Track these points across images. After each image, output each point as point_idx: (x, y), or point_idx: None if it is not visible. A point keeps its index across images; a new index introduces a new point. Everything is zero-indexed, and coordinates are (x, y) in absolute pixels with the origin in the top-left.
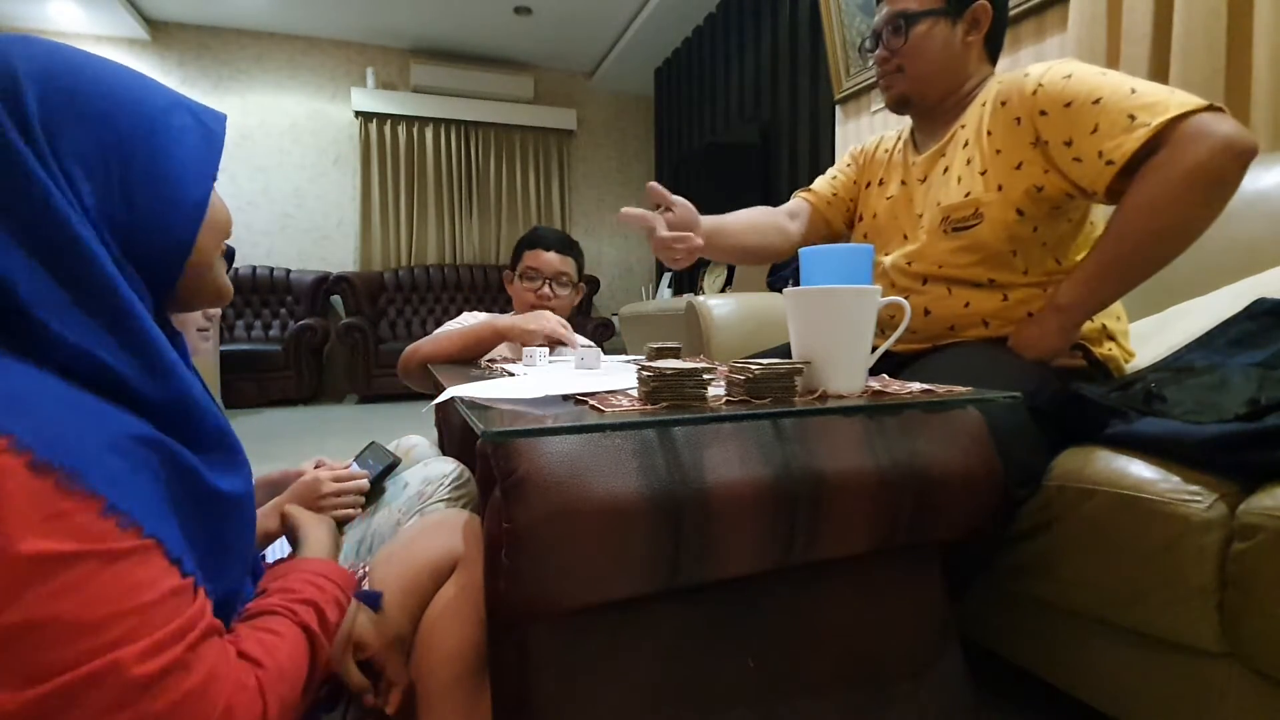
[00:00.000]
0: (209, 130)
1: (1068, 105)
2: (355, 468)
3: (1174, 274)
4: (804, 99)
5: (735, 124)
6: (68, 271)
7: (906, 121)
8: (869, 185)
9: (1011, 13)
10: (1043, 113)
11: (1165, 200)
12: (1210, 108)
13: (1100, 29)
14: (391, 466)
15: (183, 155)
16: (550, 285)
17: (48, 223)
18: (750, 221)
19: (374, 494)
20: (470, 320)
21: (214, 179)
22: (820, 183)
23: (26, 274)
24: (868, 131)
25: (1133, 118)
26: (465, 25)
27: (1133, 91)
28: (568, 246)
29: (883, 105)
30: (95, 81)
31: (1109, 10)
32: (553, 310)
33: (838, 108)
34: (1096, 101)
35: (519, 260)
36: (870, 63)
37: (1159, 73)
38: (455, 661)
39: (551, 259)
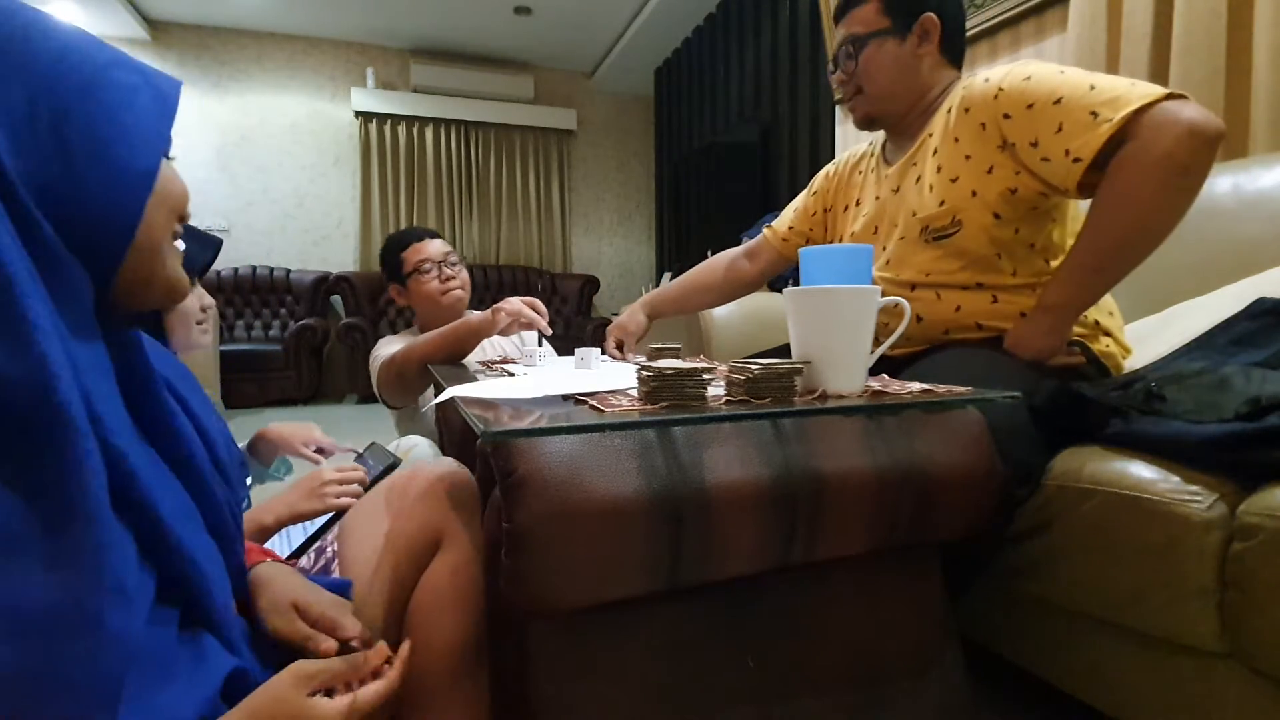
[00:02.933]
0: (161, 93)
1: (1030, 107)
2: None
3: (1174, 274)
4: (804, 99)
5: (735, 124)
6: None
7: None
8: (845, 209)
9: (1011, 13)
10: (1006, 116)
11: (1137, 192)
12: (1172, 95)
13: (1100, 29)
14: (391, 467)
15: (130, 117)
16: (445, 268)
17: None
18: (694, 283)
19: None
20: (400, 344)
21: (166, 145)
22: (781, 218)
23: None
24: (868, 132)
25: (1095, 114)
26: (465, 25)
27: (1092, 88)
28: (434, 232)
29: None
30: (30, 31)
31: (1109, 10)
32: (460, 288)
33: (838, 108)
34: (1058, 101)
35: (398, 266)
36: (835, 86)
37: (1159, 73)
38: (453, 656)
39: (434, 245)
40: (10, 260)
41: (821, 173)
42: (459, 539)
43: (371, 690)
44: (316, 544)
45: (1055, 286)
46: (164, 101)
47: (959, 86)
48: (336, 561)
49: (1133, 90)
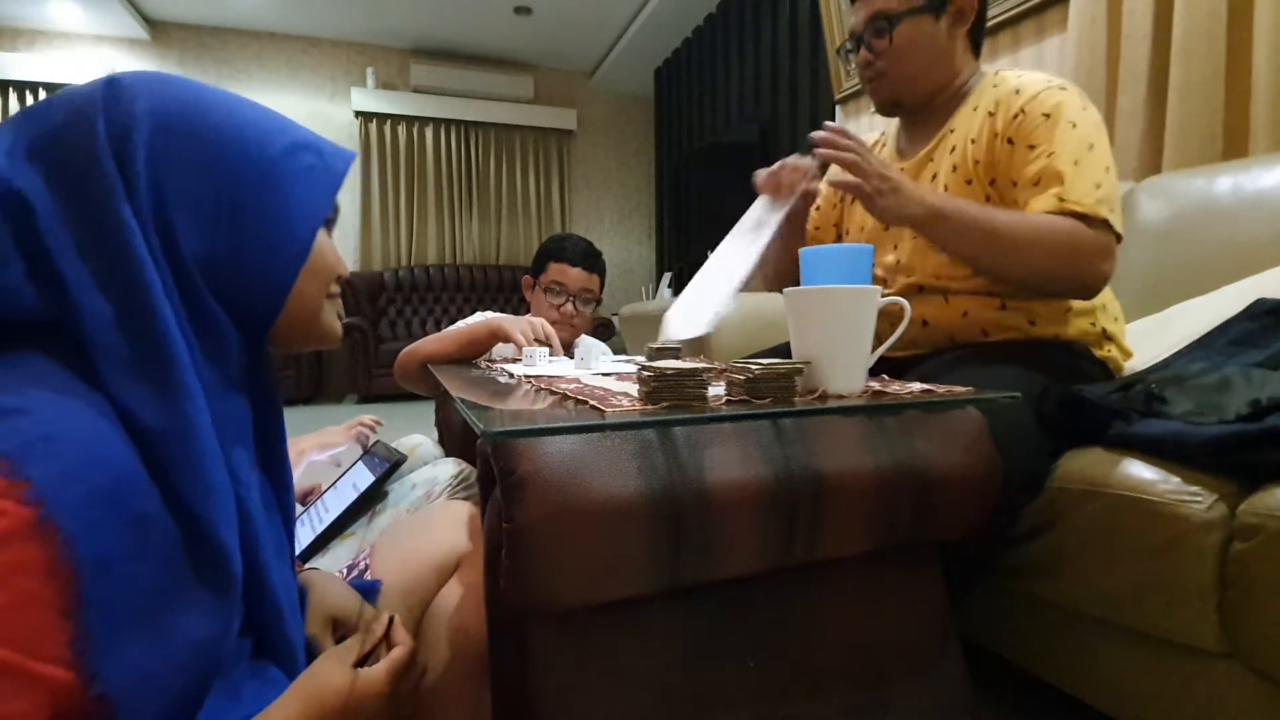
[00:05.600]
0: (330, 171)
1: (1031, 147)
2: (362, 467)
3: (1174, 274)
4: (804, 99)
5: (735, 124)
6: (129, 322)
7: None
8: (854, 200)
9: (1011, 13)
10: (1009, 140)
11: (1054, 249)
12: (1112, 230)
13: (1100, 29)
14: (397, 465)
15: (297, 198)
16: (574, 302)
17: (124, 268)
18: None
19: (377, 496)
20: (479, 320)
21: (321, 221)
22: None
23: (97, 318)
24: (868, 132)
25: (1061, 184)
26: (465, 25)
27: (1075, 163)
28: (593, 261)
29: None
30: (215, 125)
31: (1109, 10)
32: (574, 327)
33: (838, 108)
34: (1050, 154)
35: (542, 270)
36: (852, 66)
37: (1159, 73)
38: (460, 660)
39: (577, 275)
40: (171, 333)
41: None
42: (476, 561)
43: (400, 650)
44: (348, 563)
45: (955, 204)
46: (331, 178)
47: (986, 82)
48: (369, 573)
49: (1092, 194)
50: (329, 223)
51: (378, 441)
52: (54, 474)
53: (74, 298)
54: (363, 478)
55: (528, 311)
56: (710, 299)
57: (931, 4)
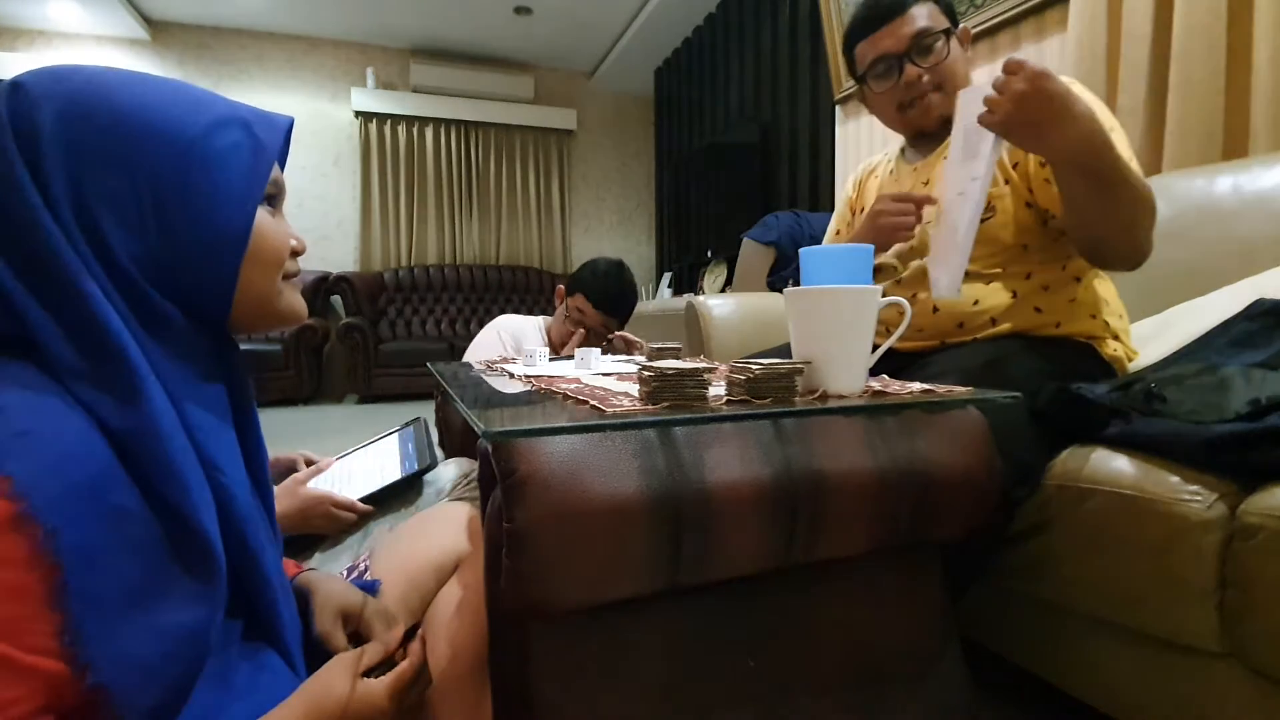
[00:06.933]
0: (259, 145)
1: None
2: (394, 449)
3: (1174, 274)
4: (804, 99)
5: (735, 124)
6: (78, 333)
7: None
8: (854, 214)
9: (1011, 13)
10: None
11: (1144, 201)
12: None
13: (1100, 29)
14: (429, 467)
15: (224, 181)
16: (589, 334)
17: (59, 280)
18: None
19: (411, 493)
20: (505, 331)
21: (257, 203)
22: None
23: (46, 332)
24: (867, 132)
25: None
26: (465, 25)
27: (1111, 130)
28: (617, 308)
29: None
30: (126, 115)
31: (1109, 10)
32: (572, 345)
33: (838, 108)
34: None
35: (572, 294)
36: (883, 89)
37: (1159, 73)
38: (459, 660)
39: (596, 317)
40: (120, 338)
41: (843, 199)
42: (476, 561)
43: (406, 664)
44: (349, 564)
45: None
46: (262, 153)
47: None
48: (369, 573)
49: (1131, 163)
50: (271, 200)
51: (418, 419)
52: (33, 469)
53: (21, 314)
54: (391, 463)
55: (540, 311)
56: (953, 254)
57: (951, 29)
